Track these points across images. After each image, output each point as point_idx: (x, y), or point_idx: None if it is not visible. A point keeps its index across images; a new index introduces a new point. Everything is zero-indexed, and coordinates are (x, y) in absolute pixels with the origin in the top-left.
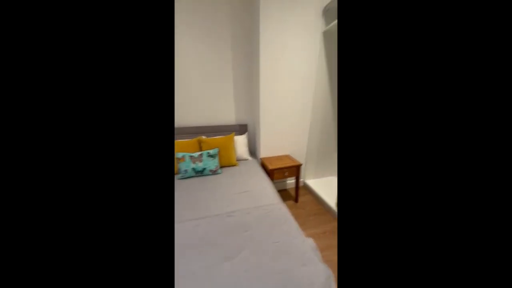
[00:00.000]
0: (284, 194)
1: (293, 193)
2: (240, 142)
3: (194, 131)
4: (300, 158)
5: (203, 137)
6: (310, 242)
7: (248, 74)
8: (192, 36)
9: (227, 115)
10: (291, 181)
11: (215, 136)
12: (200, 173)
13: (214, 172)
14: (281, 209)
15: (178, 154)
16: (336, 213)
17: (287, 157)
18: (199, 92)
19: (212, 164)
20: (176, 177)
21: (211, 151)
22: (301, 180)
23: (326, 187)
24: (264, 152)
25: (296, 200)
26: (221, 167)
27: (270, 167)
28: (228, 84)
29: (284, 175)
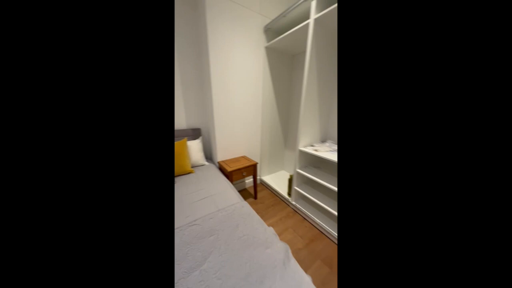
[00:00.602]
0: (244, 193)
1: (252, 191)
2: (195, 148)
3: None
4: (255, 157)
5: None
6: (270, 230)
7: (197, 78)
8: None
9: (177, 120)
10: (249, 180)
11: None
12: None
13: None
14: (244, 206)
15: None
16: (288, 200)
17: (244, 157)
18: None
19: None
20: None
21: None
22: (258, 177)
23: (278, 180)
24: (221, 155)
25: (255, 197)
26: (175, 176)
27: (229, 169)
28: (176, 88)
29: (242, 175)
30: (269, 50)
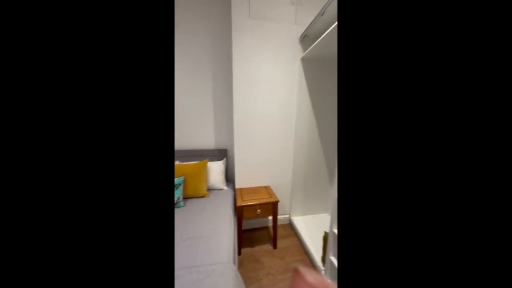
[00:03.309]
0: (263, 234)
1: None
2: (216, 169)
3: None
4: (283, 190)
5: (177, 162)
6: None
7: (227, 98)
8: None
9: (206, 139)
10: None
11: (190, 161)
12: None
13: (174, 205)
14: (224, 275)
15: None
16: (320, 269)
17: (266, 189)
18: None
19: (174, 195)
20: None
21: (175, 180)
22: (286, 216)
23: (316, 225)
24: (240, 181)
25: (274, 245)
26: (187, 198)
27: (239, 202)
28: (207, 106)
29: (256, 214)
30: (306, 62)
